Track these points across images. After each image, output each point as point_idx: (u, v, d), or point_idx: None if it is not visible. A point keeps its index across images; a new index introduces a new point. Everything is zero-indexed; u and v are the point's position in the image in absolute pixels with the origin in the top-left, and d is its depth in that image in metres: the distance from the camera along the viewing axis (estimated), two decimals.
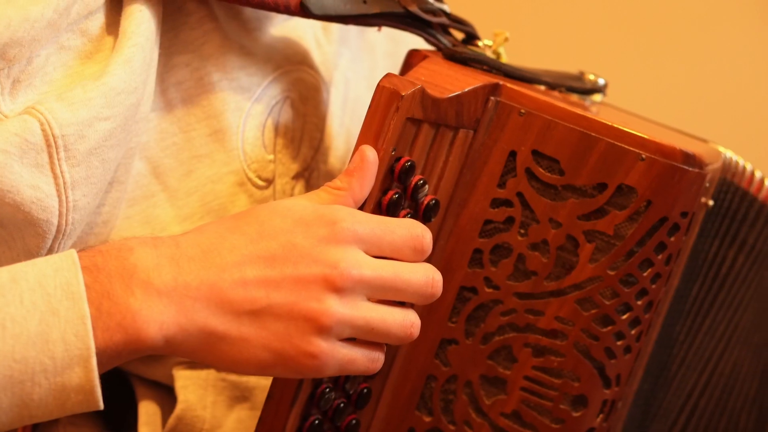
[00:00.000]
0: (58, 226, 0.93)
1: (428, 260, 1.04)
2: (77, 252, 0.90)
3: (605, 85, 1.17)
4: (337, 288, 0.91)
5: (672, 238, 1.03)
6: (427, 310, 1.05)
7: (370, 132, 0.97)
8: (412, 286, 0.95)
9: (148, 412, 1.09)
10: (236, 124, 1.05)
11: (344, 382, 1.02)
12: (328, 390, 1.00)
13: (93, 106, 0.93)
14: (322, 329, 0.91)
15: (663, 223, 1.02)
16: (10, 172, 0.91)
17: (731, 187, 1.17)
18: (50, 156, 0.92)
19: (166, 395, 1.10)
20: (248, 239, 0.91)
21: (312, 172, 1.13)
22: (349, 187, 0.95)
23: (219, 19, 1.04)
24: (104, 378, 1.10)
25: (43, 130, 0.91)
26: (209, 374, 1.09)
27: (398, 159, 0.98)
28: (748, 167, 1.19)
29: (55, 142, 0.91)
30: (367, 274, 0.92)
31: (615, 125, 1.02)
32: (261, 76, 1.07)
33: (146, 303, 0.88)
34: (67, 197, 0.93)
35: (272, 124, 1.08)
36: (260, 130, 1.07)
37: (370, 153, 0.95)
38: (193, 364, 1.08)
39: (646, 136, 1.02)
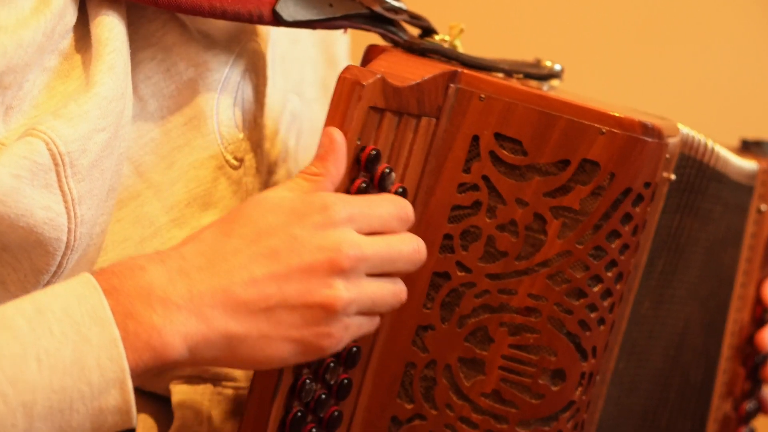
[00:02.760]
0: (67, 242, 0.95)
1: None
2: (93, 276, 0.91)
3: (562, 71, 1.19)
4: (343, 270, 0.94)
5: (637, 209, 1.05)
6: None
7: (334, 123, 0.98)
8: (404, 255, 0.99)
9: (145, 426, 1.10)
10: (210, 107, 1.07)
11: (323, 372, 1.03)
12: (308, 381, 1.02)
13: (90, 118, 0.94)
14: (336, 313, 0.95)
15: (627, 194, 1.05)
16: (23, 196, 0.92)
17: (690, 161, 1.20)
18: (58, 174, 0.93)
19: (164, 409, 1.11)
20: (248, 240, 0.94)
21: (265, 141, 1.15)
22: (326, 171, 0.97)
23: None
24: None
25: (50, 150, 0.92)
26: (206, 389, 1.10)
27: (363, 148, 1.00)
28: (705, 141, 1.22)
29: (62, 160, 0.93)
30: (367, 252, 0.96)
31: (573, 102, 1.05)
32: (226, 55, 1.08)
33: (168, 319, 0.91)
34: (75, 213, 0.95)
35: (240, 101, 1.10)
36: (231, 109, 1.08)
37: (338, 135, 0.97)
38: (191, 379, 1.10)
39: (604, 111, 1.04)
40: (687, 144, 1.17)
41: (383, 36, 1.12)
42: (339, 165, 0.98)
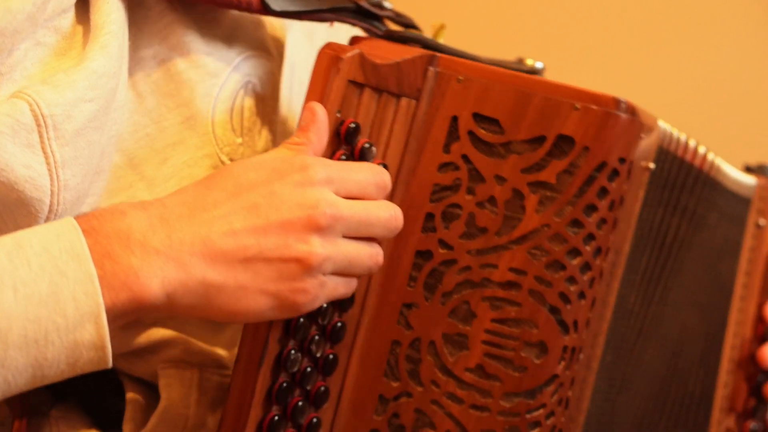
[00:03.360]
0: (50, 205, 0.97)
1: None
2: (75, 218, 0.94)
3: (543, 69, 1.23)
4: (320, 227, 0.97)
5: (613, 184, 1.08)
6: (385, 277, 1.10)
7: (315, 96, 1.03)
8: (381, 220, 1.02)
9: (134, 408, 1.12)
10: (206, 109, 1.11)
11: (309, 344, 1.06)
12: (293, 351, 1.04)
13: (77, 88, 0.98)
14: (312, 268, 0.97)
15: (602, 168, 1.07)
16: (3, 151, 0.95)
17: (669, 155, 1.23)
18: (40, 135, 0.96)
19: (154, 393, 1.13)
20: (228, 194, 0.97)
21: None
22: (308, 140, 1.01)
23: (178, 10, 1.10)
24: (94, 375, 1.14)
25: (33, 111, 0.96)
26: (194, 374, 1.12)
27: (343, 122, 1.04)
28: (683, 138, 1.25)
29: (45, 122, 0.96)
30: (344, 212, 0.99)
31: (548, 81, 1.08)
32: (226, 61, 1.12)
33: (146, 261, 0.93)
34: (58, 176, 0.97)
35: (239, 108, 1.13)
36: (228, 114, 1.12)
37: (319, 108, 1.01)
38: (178, 363, 1.12)
39: (578, 88, 1.08)
40: (665, 139, 1.20)
41: (368, 31, 1.16)
42: (321, 135, 1.02)
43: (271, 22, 1.19)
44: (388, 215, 1.02)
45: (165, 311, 0.95)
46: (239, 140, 1.13)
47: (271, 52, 1.18)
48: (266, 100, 1.16)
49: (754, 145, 2.16)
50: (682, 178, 1.26)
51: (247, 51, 1.15)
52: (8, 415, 1.08)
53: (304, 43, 1.22)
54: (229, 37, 1.14)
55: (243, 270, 0.96)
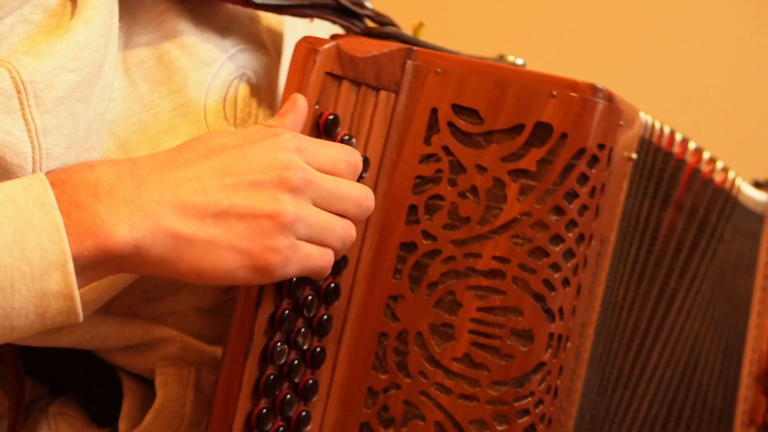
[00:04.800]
0: (33, 173, 0.97)
1: (366, 222, 1.10)
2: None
3: (524, 65, 1.24)
4: (292, 187, 0.97)
5: (593, 170, 1.09)
6: (371, 270, 1.10)
7: (293, 87, 1.04)
8: (352, 196, 1.01)
9: (130, 405, 1.12)
10: (198, 97, 1.11)
11: (296, 336, 1.06)
12: (280, 343, 1.05)
13: (59, 57, 0.98)
14: (283, 226, 0.96)
15: (581, 154, 1.08)
16: None
17: (652, 146, 1.24)
18: (21, 102, 0.96)
19: (151, 390, 1.13)
20: (200, 155, 0.97)
21: None
22: (282, 125, 1.01)
23: (173, 0, 1.11)
24: (93, 371, 1.14)
25: (12, 77, 0.96)
26: (191, 372, 1.12)
27: (322, 113, 1.05)
28: (667, 129, 1.26)
29: (25, 89, 0.96)
30: (315, 179, 0.99)
31: (525, 70, 1.09)
32: (219, 51, 1.13)
33: (113, 209, 0.92)
34: (39, 144, 0.97)
35: (232, 97, 1.14)
36: (221, 102, 1.13)
37: (300, 98, 1.02)
38: (175, 361, 1.12)
39: (554, 75, 1.09)
40: (647, 130, 1.21)
41: (347, 28, 1.18)
42: (297, 123, 1.02)
43: (268, 20, 1.20)
44: (359, 194, 1.02)
45: (134, 264, 0.93)
46: (232, 129, 1.14)
47: (267, 48, 1.19)
48: (261, 94, 1.17)
49: (754, 144, 2.16)
50: (670, 171, 1.27)
51: (242, 44, 1.17)
52: (6, 410, 1.09)
53: None
54: (223, 29, 1.16)
55: (213, 224, 0.95)
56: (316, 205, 0.99)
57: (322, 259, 1.00)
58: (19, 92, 0.96)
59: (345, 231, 1.01)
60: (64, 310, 0.91)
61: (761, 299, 1.50)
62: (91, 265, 0.91)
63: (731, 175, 1.35)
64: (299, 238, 0.98)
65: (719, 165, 1.33)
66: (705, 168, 1.33)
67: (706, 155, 1.32)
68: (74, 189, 0.92)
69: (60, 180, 0.92)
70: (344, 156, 1.02)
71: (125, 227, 0.92)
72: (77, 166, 0.94)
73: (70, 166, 0.94)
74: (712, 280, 1.37)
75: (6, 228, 0.89)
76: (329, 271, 1.01)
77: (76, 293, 0.90)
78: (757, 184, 1.56)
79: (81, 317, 0.91)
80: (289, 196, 0.97)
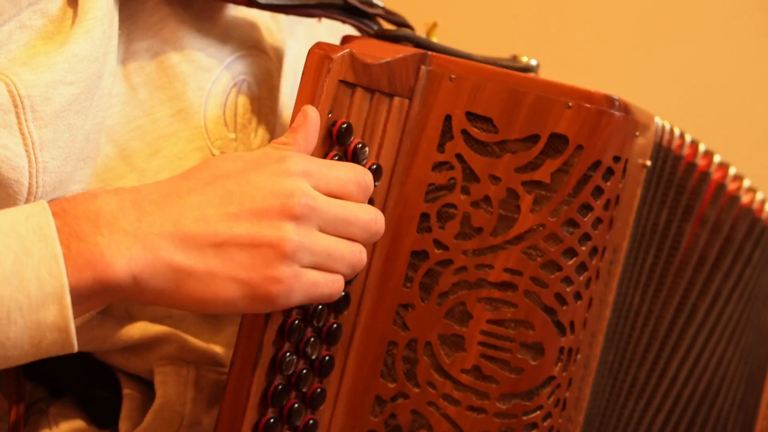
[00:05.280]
0: (29, 187, 0.96)
1: None
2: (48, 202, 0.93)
3: (537, 66, 1.22)
4: (295, 215, 0.95)
5: (608, 183, 1.07)
6: (381, 278, 1.09)
7: (305, 96, 1.02)
8: (360, 220, 0.99)
9: (130, 406, 1.11)
10: (198, 102, 1.10)
11: (304, 346, 1.05)
12: (288, 354, 1.04)
13: (57, 70, 0.97)
14: (285, 255, 0.95)
15: (596, 167, 1.07)
16: None
17: (670, 154, 1.22)
18: (18, 116, 0.95)
19: (151, 390, 1.12)
20: (204, 182, 0.96)
21: None
22: (295, 141, 1.00)
23: (173, 5, 1.09)
24: (92, 372, 1.13)
25: (9, 91, 0.95)
26: (190, 371, 1.12)
27: (335, 122, 1.03)
28: (688, 137, 1.24)
29: (22, 103, 0.95)
30: (321, 204, 0.97)
31: (540, 79, 1.08)
32: (219, 57, 1.12)
33: (113, 241, 0.91)
34: (36, 158, 0.96)
35: (232, 103, 1.13)
36: (221, 109, 1.11)
37: (312, 111, 1.00)
38: (174, 360, 1.11)
39: (570, 85, 1.07)
40: (662, 135, 1.20)
41: (357, 28, 1.16)
42: (309, 138, 1.01)
43: (268, 25, 1.18)
44: (368, 218, 1.00)
45: (133, 295, 0.93)
46: (232, 135, 1.13)
47: (268, 54, 1.17)
48: (263, 100, 1.15)
49: (754, 144, 2.15)
50: (692, 182, 1.25)
51: (242, 50, 1.15)
52: (6, 411, 1.08)
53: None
54: (223, 35, 1.14)
55: (214, 255, 0.94)
56: (322, 230, 0.97)
57: (328, 285, 0.98)
58: (16, 106, 0.95)
59: (354, 255, 0.99)
60: (59, 341, 0.90)
61: None
62: (88, 295, 0.91)
63: (759, 196, 1.34)
64: (304, 266, 0.96)
65: (746, 183, 1.31)
66: (731, 185, 1.32)
67: (732, 171, 1.30)
68: (76, 220, 0.91)
69: (62, 210, 0.91)
70: (354, 177, 1.00)
71: (124, 260, 0.91)
72: (81, 195, 0.93)
73: (73, 196, 0.94)
74: (738, 304, 1.36)
75: (6, 258, 0.88)
76: (338, 296, 1.00)
77: (72, 325, 0.90)
78: None
79: (76, 348, 0.91)
80: (291, 224, 0.95)
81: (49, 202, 0.92)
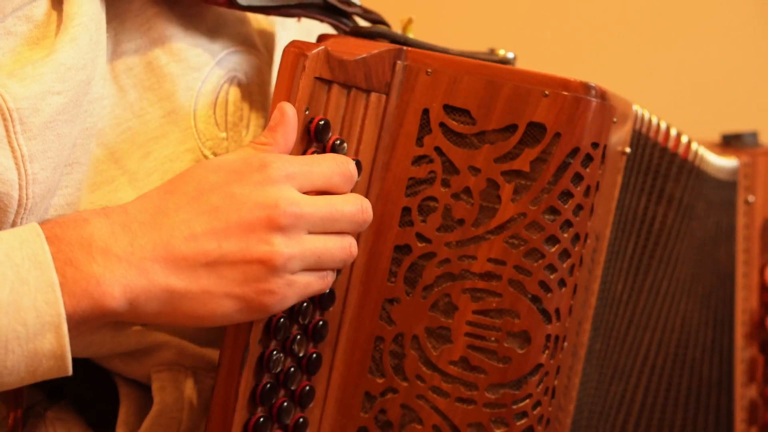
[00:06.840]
0: (19, 199, 0.97)
1: None
2: (39, 224, 0.94)
3: (514, 59, 1.22)
4: (281, 226, 0.96)
5: (587, 169, 1.08)
6: (365, 273, 1.09)
7: (282, 93, 1.02)
8: (346, 215, 1.01)
9: (127, 411, 1.12)
10: (188, 103, 1.10)
11: (291, 344, 1.05)
12: (275, 352, 1.04)
13: (45, 80, 0.97)
14: (276, 269, 0.96)
15: (575, 153, 1.07)
16: None
17: (648, 141, 1.22)
18: (6, 129, 0.95)
19: (148, 395, 1.12)
20: (189, 197, 0.96)
21: None
22: (275, 141, 1.00)
23: (160, 4, 1.10)
24: (90, 377, 1.13)
25: None
26: (187, 377, 1.12)
27: (312, 119, 1.04)
28: (660, 122, 1.25)
29: (11, 116, 0.95)
30: (306, 210, 0.98)
31: (516, 69, 1.08)
32: (209, 55, 1.12)
33: (108, 268, 0.93)
34: (26, 170, 0.97)
35: (222, 102, 1.13)
36: (211, 108, 1.12)
37: (289, 108, 1.01)
38: (172, 366, 1.12)
39: (546, 74, 1.07)
40: (641, 123, 1.20)
41: (335, 27, 1.16)
42: (288, 136, 1.01)
43: (258, 20, 1.18)
44: (355, 209, 1.02)
45: (129, 318, 0.95)
46: (223, 135, 1.13)
47: (258, 49, 1.17)
48: (254, 95, 1.16)
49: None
50: (665, 166, 1.26)
51: (232, 46, 1.15)
52: (5, 416, 1.08)
53: None
54: (212, 32, 1.14)
55: (206, 274, 0.95)
56: (311, 233, 0.99)
57: (320, 283, 1.01)
58: (5, 120, 0.95)
59: (344, 251, 1.01)
60: (54, 367, 0.92)
61: (745, 261, 1.50)
62: (85, 321, 0.92)
63: (694, 146, 1.33)
64: (295, 273, 0.98)
65: (684, 139, 1.30)
66: (672, 144, 1.31)
67: (673, 131, 1.29)
68: (70, 247, 0.92)
69: (56, 236, 0.92)
70: (338, 169, 1.01)
71: (119, 287, 0.92)
72: (72, 220, 0.94)
73: (64, 219, 0.94)
74: (690, 259, 1.37)
75: (3, 288, 0.89)
76: (330, 286, 1.02)
77: (68, 353, 0.91)
78: (726, 138, 1.54)
79: (70, 372, 0.92)
80: (279, 236, 0.96)
81: (42, 225, 0.93)
